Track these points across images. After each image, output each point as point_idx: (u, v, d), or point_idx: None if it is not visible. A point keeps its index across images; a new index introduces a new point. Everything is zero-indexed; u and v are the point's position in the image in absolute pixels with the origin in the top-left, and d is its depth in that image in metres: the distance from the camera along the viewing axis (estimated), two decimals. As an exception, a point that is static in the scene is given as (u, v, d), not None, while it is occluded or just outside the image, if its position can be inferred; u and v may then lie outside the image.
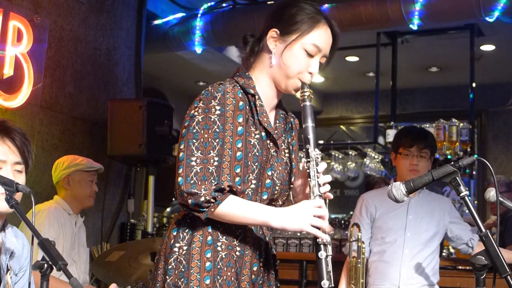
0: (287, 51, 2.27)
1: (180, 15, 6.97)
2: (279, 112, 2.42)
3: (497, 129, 9.11)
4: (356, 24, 6.12)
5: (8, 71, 4.47)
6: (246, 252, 2.23)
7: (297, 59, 2.27)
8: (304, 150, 2.24)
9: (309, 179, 2.20)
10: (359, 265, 3.78)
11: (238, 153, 2.19)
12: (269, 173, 2.27)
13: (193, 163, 2.14)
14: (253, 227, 2.26)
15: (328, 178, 2.21)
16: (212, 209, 2.12)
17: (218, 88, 2.21)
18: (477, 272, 2.10)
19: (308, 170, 2.21)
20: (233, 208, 2.13)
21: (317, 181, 2.17)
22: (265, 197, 2.26)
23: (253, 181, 2.22)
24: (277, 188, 2.29)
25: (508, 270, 2.05)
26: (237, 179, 2.19)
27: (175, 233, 2.23)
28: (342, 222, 5.34)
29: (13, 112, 4.61)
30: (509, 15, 5.64)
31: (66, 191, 4.09)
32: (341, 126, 10.39)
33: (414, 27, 5.94)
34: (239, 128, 2.20)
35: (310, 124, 2.23)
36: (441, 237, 3.83)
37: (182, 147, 2.18)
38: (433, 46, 7.85)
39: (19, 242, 2.53)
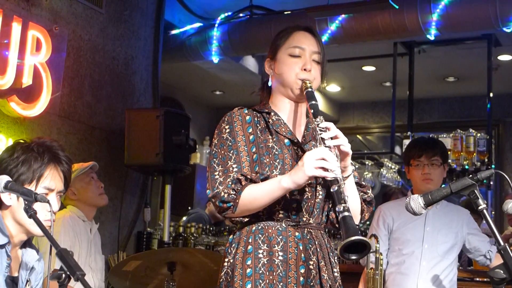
0: (277, 64, 2.58)
1: (197, 25, 7.00)
2: (308, 123, 2.64)
3: (515, 139, 9.04)
4: (373, 34, 6.14)
5: (27, 80, 4.52)
6: (289, 256, 2.38)
7: (286, 65, 2.54)
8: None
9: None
10: (376, 276, 3.74)
11: (254, 156, 2.45)
12: None
13: (216, 176, 2.41)
14: (297, 233, 2.41)
15: (333, 132, 2.36)
16: (237, 200, 2.35)
17: (227, 114, 2.54)
18: (496, 286, 2.09)
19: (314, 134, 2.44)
20: (253, 192, 2.34)
21: (320, 137, 2.34)
22: (295, 192, 2.43)
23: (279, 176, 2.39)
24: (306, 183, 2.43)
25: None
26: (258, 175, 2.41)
27: (227, 250, 2.48)
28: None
29: (31, 121, 4.66)
30: (527, 26, 5.62)
31: (75, 200, 4.08)
32: (358, 136, 10.35)
33: (431, 37, 5.93)
34: (251, 137, 2.48)
35: (312, 102, 2.45)
36: (459, 248, 3.80)
37: (207, 168, 2.48)
38: (450, 56, 7.82)
39: (39, 257, 2.55)
